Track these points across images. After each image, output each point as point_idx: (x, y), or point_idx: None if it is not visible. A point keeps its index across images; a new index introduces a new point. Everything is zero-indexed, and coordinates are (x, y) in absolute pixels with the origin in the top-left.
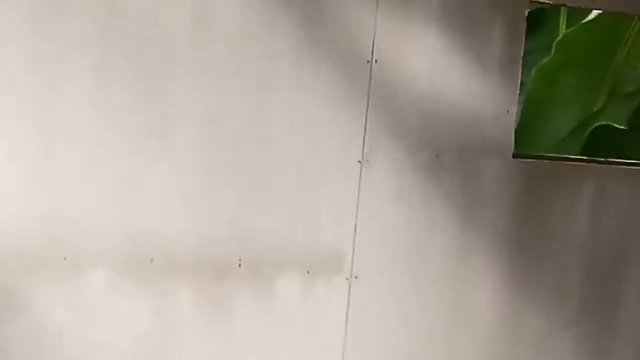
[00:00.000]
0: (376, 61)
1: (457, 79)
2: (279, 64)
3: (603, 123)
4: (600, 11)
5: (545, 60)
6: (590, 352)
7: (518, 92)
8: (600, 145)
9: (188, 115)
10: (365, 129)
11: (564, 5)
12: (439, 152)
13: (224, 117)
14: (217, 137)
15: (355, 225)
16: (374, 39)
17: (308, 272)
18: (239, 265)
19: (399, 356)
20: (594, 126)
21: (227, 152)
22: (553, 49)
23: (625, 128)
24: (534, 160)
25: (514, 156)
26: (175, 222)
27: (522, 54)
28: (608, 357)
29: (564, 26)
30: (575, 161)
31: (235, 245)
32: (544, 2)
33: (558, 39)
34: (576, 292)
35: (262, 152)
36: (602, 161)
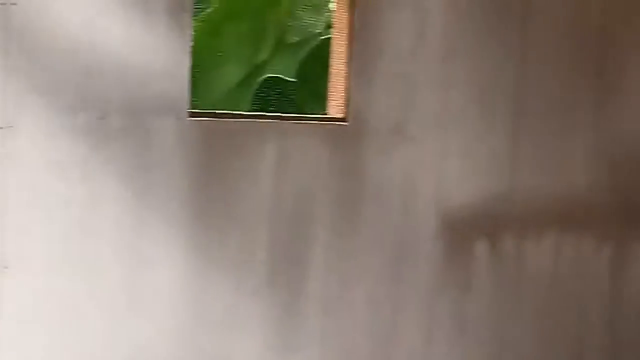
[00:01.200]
0: (15, 4)
1: (120, 27)
2: None
3: (272, 75)
4: None
5: (209, 9)
6: (279, 316)
7: (190, 43)
8: (271, 97)
9: None
10: (4, 86)
11: None
12: (104, 113)
13: None
14: None
15: None
16: None
17: None
18: None
19: (67, 354)
20: (262, 78)
21: None
22: None
23: (295, 80)
24: (212, 119)
25: (191, 115)
26: None
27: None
28: (297, 318)
29: None
30: (256, 118)
31: None
32: None
33: None
34: (264, 256)
35: None
36: (283, 117)
